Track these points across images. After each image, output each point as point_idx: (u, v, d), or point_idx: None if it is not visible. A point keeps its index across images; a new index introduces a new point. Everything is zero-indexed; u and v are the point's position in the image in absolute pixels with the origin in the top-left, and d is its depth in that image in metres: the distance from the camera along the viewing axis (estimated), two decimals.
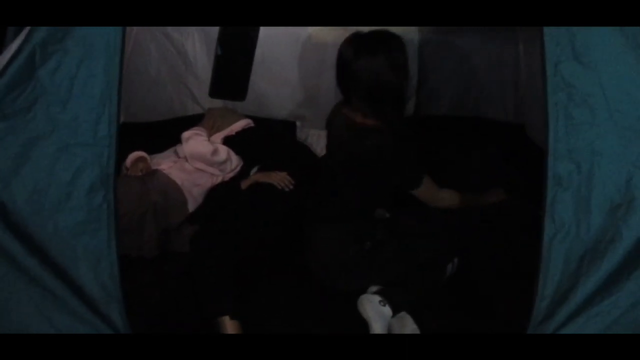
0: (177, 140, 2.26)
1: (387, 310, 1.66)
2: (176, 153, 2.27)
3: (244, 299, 1.70)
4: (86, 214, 1.25)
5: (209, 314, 1.66)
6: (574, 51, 1.24)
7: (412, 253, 1.76)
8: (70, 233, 1.24)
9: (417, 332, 1.67)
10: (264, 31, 2.55)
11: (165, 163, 2.17)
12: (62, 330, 1.24)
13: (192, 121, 2.44)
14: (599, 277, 1.26)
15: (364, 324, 1.65)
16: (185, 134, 2.23)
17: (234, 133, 2.36)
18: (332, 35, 2.53)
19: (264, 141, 2.39)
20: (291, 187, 2.13)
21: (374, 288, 1.75)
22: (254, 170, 2.29)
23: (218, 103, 2.66)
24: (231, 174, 2.24)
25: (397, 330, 1.67)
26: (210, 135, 2.32)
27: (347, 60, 1.66)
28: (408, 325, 1.68)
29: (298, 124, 2.70)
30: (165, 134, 2.39)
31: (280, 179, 2.14)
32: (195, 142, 2.20)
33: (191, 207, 2.07)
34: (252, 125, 2.43)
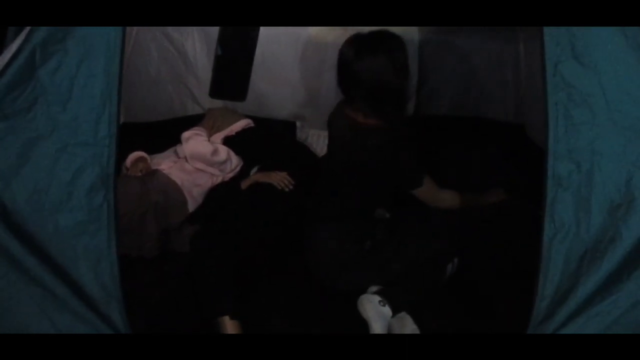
0: (177, 141, 2.27)
1: (387, 310, 1.66)
2: (176, 153, 2.27)
3: (244, 299, 1.70)
4: (86, 213, 1.25)
5: (209, 313, 1.66)
6: (574, 51, 1.24)
7: (412, 253, 1.76)
8: (70, 233, 1.25)
9: (417, 332, 1.67)
10: (264, 31, 2.55)
11: (165, 163, 2.18)
12: (62, 330, 1.24)
13: (192, 121, 2.44)
14: (599, 277, 1.26)
15: (363, 324, 1.65)
16: (185, 134, 2.23)
17: (234, 133, 2.36)
18: (332, 35, 2.53)
19: (264, 141, 2.39)
20: (291, 187, 2.13)
21: (374, 288, 1.75)
22: (254, 170, 2.29)
23: (218, 103, 2.66)
24: (231, 174, 2.24)
25: (397, 330, 1.67)
26: (210, 135, 2.32)
27: (348, 61, 1.67)
28: (408, 326, 1.68)
29: (298, 124, 2.71)
30: (165, 134, 2.39)
31: (280, 179, 2.14)
32: (195, 142, 2.20)
33: (191, 207, 2.07)
34: (252, 125, 2.43)
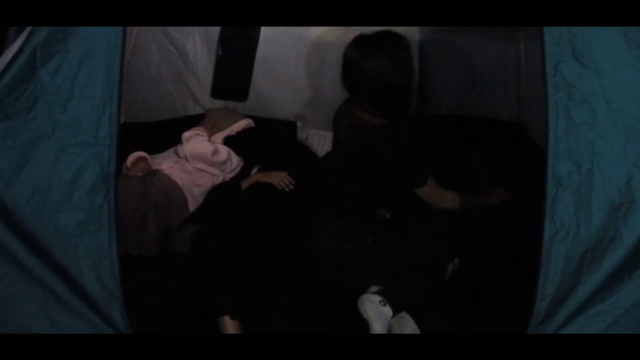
0: (178, 140, 2.27)
1: (388, 310, 1.66)
2: (177, 153, 2.27)
3: (244, 299, 1.70)
4: (87, 213, 1.25)
5: (210, 313, 1.66)
6: (574, 51, 1.24)
7: (412, 252, 1.76)
8: (71, 232, 1.25)
9: (418, 332, 1.67)
10: (265, 31, 2.55)
11: (165, 163, 2.18)
12: (63, 329, 1.24)
13: (193, 121, 2.45)
14: (599, 277, 1.26)
15: (364, 323, 1.65)
16: (186, 134, 2.24)
17: (234, 133, 2.36)
18: (333, 35, 2.53)
19: (265, 141, 2.39)
20: (291, 187, 2.13)
21: (374, 288, 1.75)
22: (255, 170, 2.29)
23: (219, 103, 2.66)
24: (232, 174, 2.24)
25: (397, 330, 1.67)
26: (210, 135, 2.32)
27: (353, 61, 1.68)
28: (408, 325, 1.68)
29: (299, 124, 2.71)
30: (165, 134, 2.39)
31: (280, 179, 2.14)
32: (195, 142, 2.20)
33: (192, 207, 2.07)
34: (253, 125, 2.43)
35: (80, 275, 1.25)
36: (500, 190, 2.02)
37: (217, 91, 2.64)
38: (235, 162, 2.26)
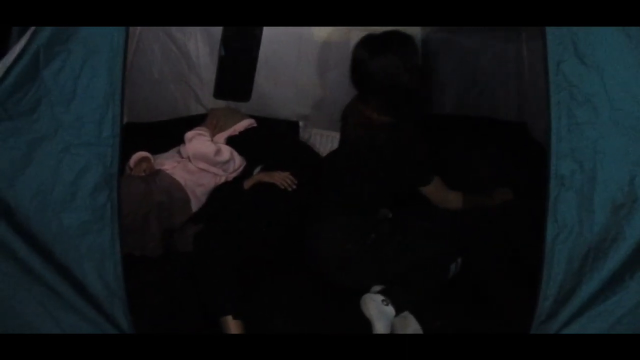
0: (181, 141, 2.27)
1: (390, 309, 1.66)
2: (179, 153, 2.28)
3: (247, 299, 1.70)
4: (90, 213, 1.26)
5: (212, 313, 1.66)
6: (576, 50, 1.24)
7: (414, 252, 1.76)
8: (74, 232, 1.25)
9: (420, 331, 1.67)
10: (267, 31, 2.55)
11: (168, 163, 2.18)
12: (66, 329, 1.25)
13: (195, 121, 2.45)
14: (602, 276, 1.26)
15: (366, 323, 1.65)
16: (188, 134, 2.24)
17: (237, 133, 2.37)
18: (335, 35, 2.53)
19: (267, 141, 2.39)
20: (294, 186, 2.13)
21: (376, 287, 1.75)
22: (257, 170, 2.30)
23: (221, 103, 2.66)
24: (234, 174, 2.25)
25: (399, 330, 1.67)
26: (213, 135, 2.33)
27: (361, 60, 1.70)
28: (411, 325, 1.68)
29: (301, 123, 2.71)
30: (168, 134, 2.39)
31: (282, 178, 2.14)
32: (198, 142, 2.20)
33: (194, 207, 2.08)
34: (255, 125, 2.43)
35: (83, 275, 1.26)
36: (506, 190, 2.02)
37: (220, 91, 2.65)
38: (238, 162, 2.26)
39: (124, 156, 1.76)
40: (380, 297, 1.68)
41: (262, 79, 2.63)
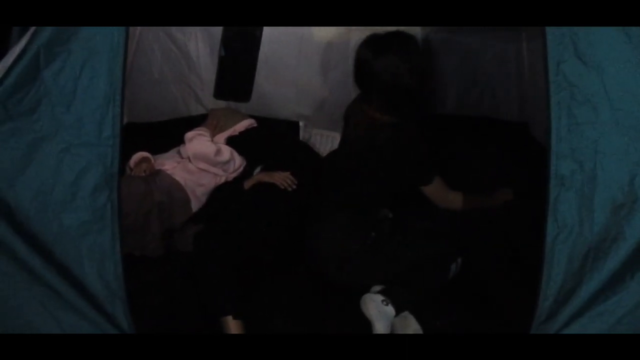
0: (181, 141, 2.27)
1: (390, 309, 1.66)
2: (179, 153, 2.28)
3: (247, 299, 1.70)
4: (90, 213, 1.26)
5: (212, 313, 1.66)
6: (576, 50, 1.24)
7: (414, 251, 1.76)
8: (74, 233, 1.25)
9: (420, 332, 1.67)
10: (268, 31, 2.55)
11: (168, 163, 2.18)
12: (66, 329, 1.25)
13: (196, 121, 2.45)
14: (602, 276, 1.26)
15: (366, 323, 1.65)
16: (189, 135, 2.24)
17: (237, 133, 2.37)
18: (335, 36, 2.53)
19: (267, 141, 2.39)
20: (294, 186, 2.13)
21: (377, 288, 1.75)
22: (257, 170, 2.30)
23: (221, 103, 2.67)
24: (234, 174, 2.25)
25: (400, 330, 1.68)
26: (213, 135, 2.33)
27: (365, 60, 1.71)
28: (411, 325, 1.68)
29: (301, 124, 2.71)
30: (168, 134, 2.39)
31: (283, 178, 2.14)
32: (198, 142, 2.20)
33: (195, 207, 2.08)
34: (255, 125, 2.44)
35: (83, 275, 1.26)
36: (507, 190, 2.02)
37: (220, 92, 2.65)
38: (238, 162, 2.26)
39: (124, 156, 1.76)
40: (380, 297, 1.68)
41: (263, 79, 2.63)
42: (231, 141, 2.33)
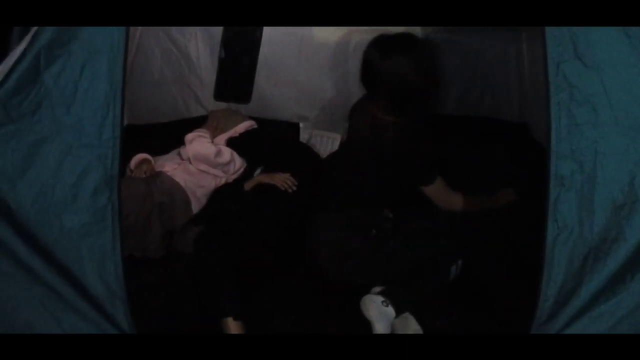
0: (181, 142, 2.27)
1: (390, 310, 1.66)
2: (180, 155, 2.28)
3: (247, 300, 1.70)
4: (91, 215, 1.26)
5: (213, 315, 1.66)
6: (576, 51, 1.24)
7: (414, 251, 1.76)
8: (75, 234, 1.25)
9: (420, 332, 1.67)
10: (267, 32, 2.56)
11: (169, 165, 2.19)
12: (67, 329, 1.25)
13: (196, 123, 2.45)
14: (602, 277, 1.26)
15: (367, 323, 1.65)
16: (189, 136, 2.24)
17: (237, 134, 2.37)
18: (335, 36, 2.53)
19: (267, 142, 2.39)
20: (294, 188, 2.13)
21: (377, 288, 1.75)
22: (258, 171, 2.30)
23: (222, 104, 2.67)
24: (235, 176, 2.25)
25: (400, 330, 1.67)
26: (213, 136, 2.33)
27: (372, 61, 1.71)
28: (411, 326, 1.68)
29: (301, 125, 2.71)
30: (168, 135, 2.40)
31: (283, 180, 2.14)
32: (198, 143, 2.21)
33: (195, 208, 2.08)
34: (256, 126, 2.44)
35: (84, 276, 1.26)
36: (509, 190, 2.02)
37: (220, 93, 2.65)
38: (238, 163, 2.26)
39: (125, 158, 1.76)
40: (380, 298, 1.68)
41: (263, 80, 2.63)
42: (231, 142, 2.33)
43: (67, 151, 1.25)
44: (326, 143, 2.65)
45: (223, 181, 2.20)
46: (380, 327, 1.64)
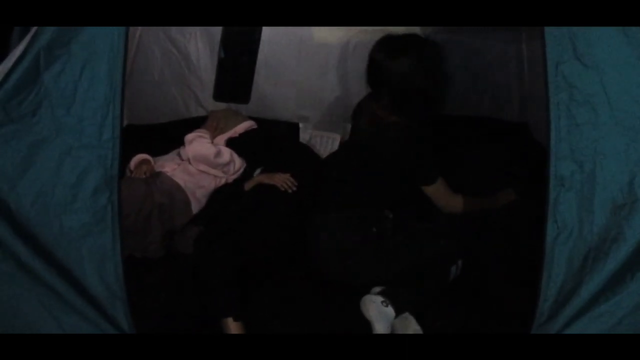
0: (181, 143, 2.27)
1: (390, 310, 1.66)
2: (180, 155, 2.28)
3: (247, 300, 1.70)
4: (91, 215, 1.26)
5: (213, 315, 1.66)
6: (576, 51, 1.24)
7: (414, 251, 1.76)
8: (75, 234, 1.26)
9: (420, 332, 1.67)
10: (267, 32, 2.56)
11: (168, 165, 2.19)
12: (67, 330, 1.25)
13: (196, 123, 2.45)
14: (602, 277, 1.26)
15: (367, 323, 1.65)
16: (189, 137, 2.24)
17: (237, 135, 2.37)
18: (335, 36, 2.54)
19: (267, 143, 2.40)
20: (294, 188, 2.13)
21: (377, 289, 1.75)
22: (257, 172, 2.30)
23: (221, 105, 2.67)
24: (234, 176, 2.25)
25: (400, 331, 1.67)
26: (213, 137, 2.33)
27: (377, 61, 1.72)
28: (411, 326, 1.68)
29: (301, 125, 2.71)
30: (168, 136, 2.40)
31: (283, 180, 2.14)
32: (198, 144, 2.21)
33: (195, 208, 2.08)
34: (255, 127, 2.44)
35: (84, 277, 1.26)
36: (509, 191, 2.02)
37: (220, 93, 2.65)
38: (238, 164, 2.26)
39: (125, 158, 1.76)
40: (380, 298, 1.68)
41: (262, 80, 2.64)
42: (231, 143, 2.33)
43: (67, 151, 1.25)
44: (326, 143, 2.65)
45: (223, 181, 2.20)
46: (380, 327, 1.64)
